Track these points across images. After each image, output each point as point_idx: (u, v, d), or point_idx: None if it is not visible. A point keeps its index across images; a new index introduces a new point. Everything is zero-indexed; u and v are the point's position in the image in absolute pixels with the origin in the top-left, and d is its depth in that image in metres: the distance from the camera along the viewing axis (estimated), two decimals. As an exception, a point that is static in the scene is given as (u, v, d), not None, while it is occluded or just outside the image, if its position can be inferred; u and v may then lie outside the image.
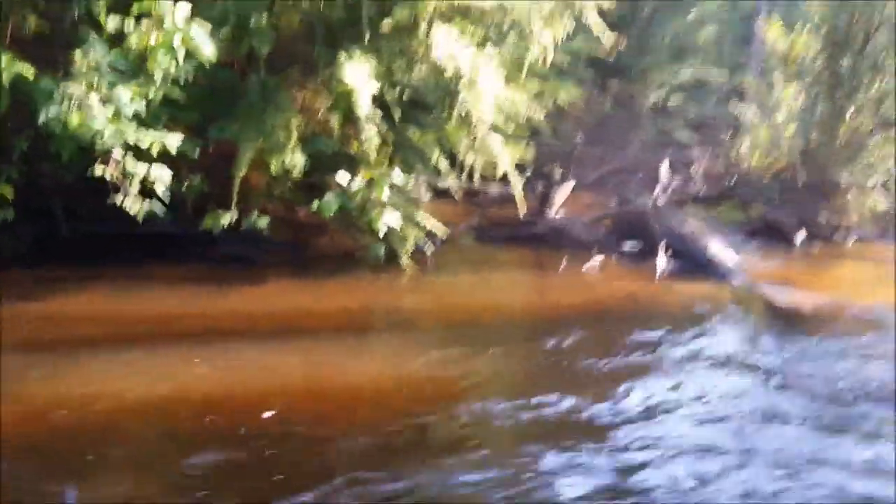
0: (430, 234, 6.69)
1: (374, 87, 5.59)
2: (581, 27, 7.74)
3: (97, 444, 3.43)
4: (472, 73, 5.85)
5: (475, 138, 6.46)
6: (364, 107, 5.52)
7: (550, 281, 7.08)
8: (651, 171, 13.81)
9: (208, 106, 5.76)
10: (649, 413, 4.12)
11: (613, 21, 14.58)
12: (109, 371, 4.16)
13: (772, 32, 10.64)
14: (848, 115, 9.50)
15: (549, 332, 5.30)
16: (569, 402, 4.13)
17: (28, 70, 4.90)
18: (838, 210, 9.95)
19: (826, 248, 9.18)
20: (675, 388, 4.48)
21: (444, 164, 7.27)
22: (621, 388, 4.38)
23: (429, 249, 6.63)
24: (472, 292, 6.34)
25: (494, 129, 6.53)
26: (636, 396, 4.30)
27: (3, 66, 4.87)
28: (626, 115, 15.29)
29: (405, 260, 6.34)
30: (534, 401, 4.10)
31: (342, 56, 5.60)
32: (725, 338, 5.64)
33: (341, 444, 3.64)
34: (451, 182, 7.86)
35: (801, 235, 9.20)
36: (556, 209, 9.23)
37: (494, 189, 9.02)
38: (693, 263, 7.41)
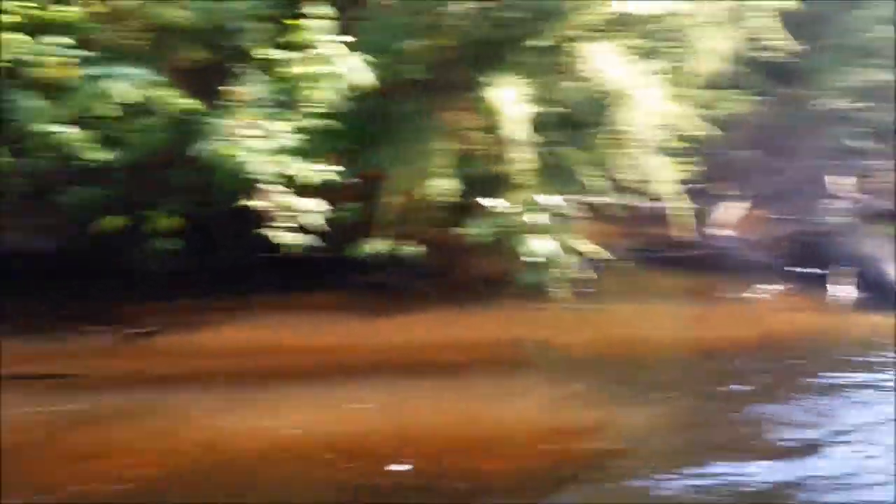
0: (587, 260, 6.35)
1: (521, 108, 5.34)
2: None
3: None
4: (627, 89, 5.49)
5: (632, 158, 6.06)
6: (510, 128, 5.29)
7: (716, 310, 6.53)
8: (828, 186, 12.77)
9: (359, 134, 5.73)
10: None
11: (790, 22, 13.69)
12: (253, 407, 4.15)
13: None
14: None
15: (717, 373, 4.86)
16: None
17: (196, 104, 5.03)
18: None
19: None
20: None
21: (600, 182, 6.89)
22: (815, 451, 3.88)
23: (585, 275, 6.28)
24: (629, 324, 5.93)
25: (654, 147, 6.11)
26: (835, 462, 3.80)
27: (170, 101, 5.03)
28: (801, 123, 14.23)
29: (560, 288, 6.04)
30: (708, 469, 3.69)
31: (489, 77, 5.40)
32: None
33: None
34: (608, 201, 7.47)
35: None
36: (723, 229, 8.63)
37: (656, 206, 8.56)
38: (881, 291, 6.65)
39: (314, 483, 3.50)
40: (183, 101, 5.00)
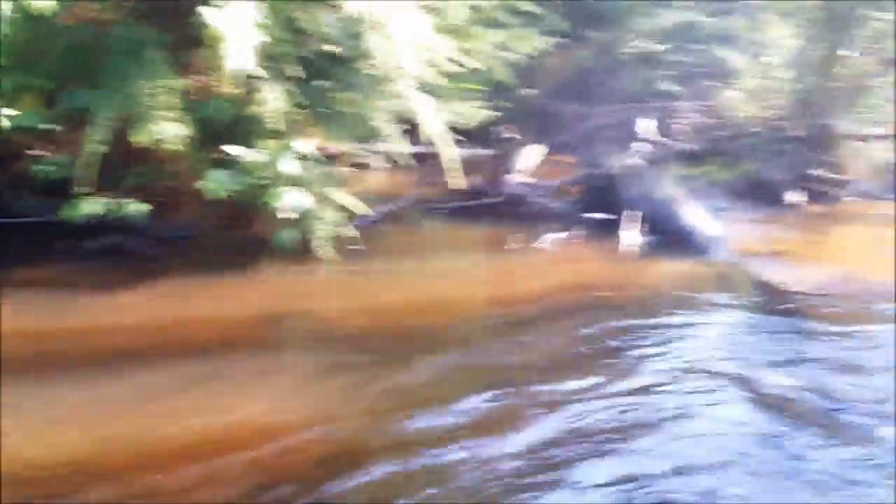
0: (361, 216, 5.63)
1: (254, 35, 4.44)
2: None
3: None
4: (382, 16, 4.74)
5: (401, 97, 5.34)
6: (238, 60, 4.39)
7: (504, 263, 6.02)
8: (630, 128, 12.72)
9: (60, 69, 4.67)
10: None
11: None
12: None
13: (760, -33, 9.44)
14: (845, 55, 8.37)
15: (494, 333, 4.32)
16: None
17: None
18: (836, 163, 8.89)
19: (824, 208, 8.14)
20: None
21: (376, 126, 6.14)
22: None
23: (356, 233, 5.54)
24: (405, 284, 5.26)
25: (422, 85, 5.42)
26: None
27: None
28: (605, 66, 14.10)
29: (324, 248, 5.29)
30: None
31: (216, -1, 4.46)
32: (699, 336, 4.52)
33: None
34: (396, 148, 6.73)
35: (795, 194, 8.15)
36: (520, 175, 8.16)
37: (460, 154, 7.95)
38: (672, 235, 6.37)
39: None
40: None
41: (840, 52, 8.44)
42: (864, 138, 8.67)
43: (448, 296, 5.12)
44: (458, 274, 5.57)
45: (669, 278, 5.65)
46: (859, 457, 3.11)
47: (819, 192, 8.49)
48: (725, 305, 5.03)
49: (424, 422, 3.29)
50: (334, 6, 4.91)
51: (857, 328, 4.57)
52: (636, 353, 4.12)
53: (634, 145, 11.50)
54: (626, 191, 7.01)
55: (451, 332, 4.43)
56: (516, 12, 7.42)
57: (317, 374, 3.85)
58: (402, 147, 6.19)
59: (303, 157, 5.24)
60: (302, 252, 5.26)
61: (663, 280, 5.63)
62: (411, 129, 5.98)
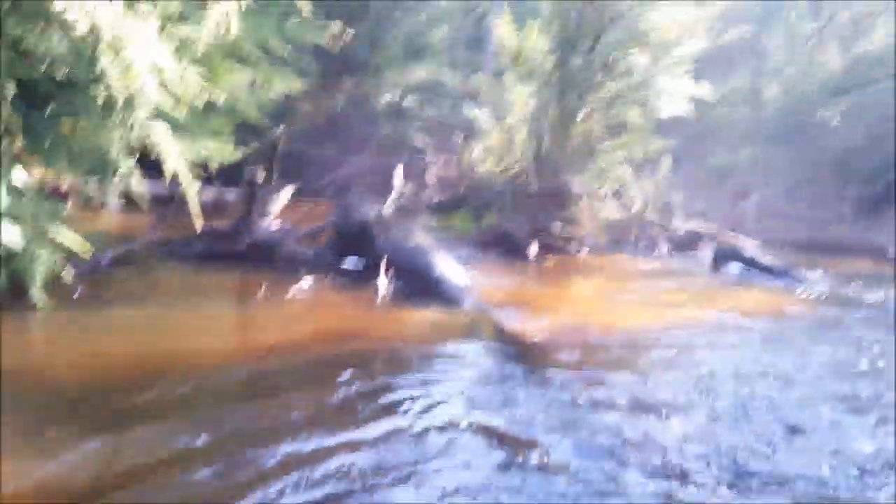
0: (91, 256, 5.01)
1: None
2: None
3: None
4: (116, 34, 4.29)
5: (133, 126, 4.85)
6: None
7: (251, 312, 5.67)
8: (382, 176, 12.87)
9: None
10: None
11: (343, 12, 13.51)
12: None
13: (502, 30, 10.00)
14: (579, 118, 9.05)
15: (231, 390, 3.93)
16: None
17: None
18: (571, 219, 9.53)
19: (561, 260, 8.65)
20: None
21: (123, 161, 5.54)
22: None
23: (69, 276, 4.91)
24: (133, 336, 4.72)
25: (164, 116, 4.99)
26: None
27: None
28: (360, 115, 14.23)
29: (37, 292, 4.64)
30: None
31: None
32: (446, 385, 4.44)
33: None
34: (136, 185, 6.11)
35: (534, 247, 8.59)
36: (270, 220, 7.83)
37: (206, 195, 7.44)
38: (423, 285, 6.38)
39: None
40: None
41: (577, 114, 9.09)
42: (595, 197, 9.38)
43: (183, 349, 4.64)
44: (198, 325, 5.11)
45: (420, 328, 5.61)
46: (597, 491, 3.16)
47: (557, 246, 9.02)
48: (473, 354, 5.06)
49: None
50: (66, 25, 4.37)
51: (593, 373, 4.77)
52: (382, 406, 3.96)
53: (390, 194, 11.64)
54: (380, 239, 6.96)
55: (180, 390, 3.98)
56: (267, 52, 7.19)
57: None
58: (141, 183, 5.65)
59: (16, 190, 4.59)
60: (11, 298, 4.58)
61: (414, 330, 5.57)
62: (153, 165, 5.49)
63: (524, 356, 5.12)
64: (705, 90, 9.14)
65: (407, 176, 12.75)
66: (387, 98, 14.00)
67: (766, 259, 8.71)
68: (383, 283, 6.23)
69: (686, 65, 9.39)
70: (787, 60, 21.05)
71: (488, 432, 3.70)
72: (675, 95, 9.23)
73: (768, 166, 17.17)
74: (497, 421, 3.84)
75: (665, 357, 5.26)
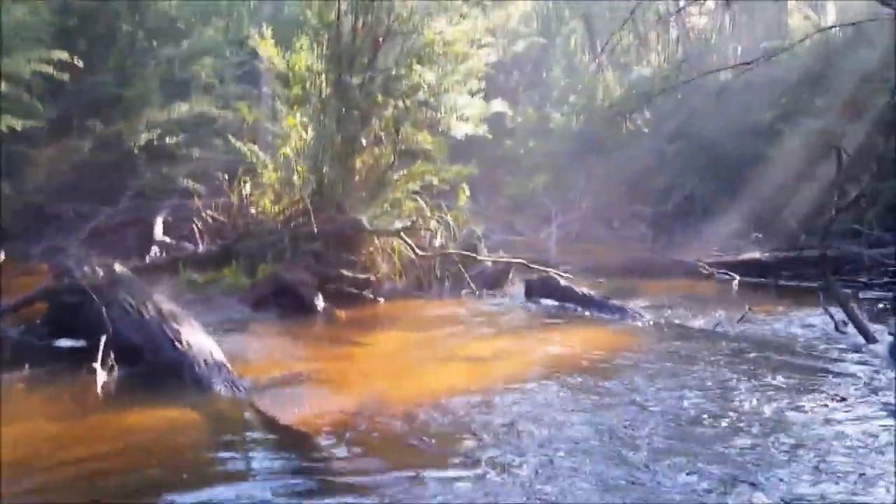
0: None
1: None
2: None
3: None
4: None
5: None
6: None
7: None
8: (141, 228, 10.95)
9: None
10: None
11: (83, 39, 11.45)
12: None
13: (266, 51, 8.52)
14: (364, 144, 7.73)
15: None
16: None
17: None
18: (364, 262, 8.17)
19: (354, 313, 7.21)
20: None
21: None
22: None
23: None
24: None
25: None
26: None
27: None
28: (113, 159, 12.15)
29: None
30: None
31: None
32: None
33: None
34: None
35: (320, 299, 7.12)
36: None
37: None
38: (160, 365, 4.72)
39: None
40: None
41: (360, 140, 7.78)
42: (389, 234, 8.07)
43: None
44: None
45: (144, 437, 3.94)
46: None
47: (348, 295, 7.62)
48: (217, 472, 3.48)
49: None
50: None
51: (398, 474, 3.38)
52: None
53: (151, 247, 9.83)
54: (109, 308, 5.20)
55: None
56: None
57: None
58: None
59: None
60: None
61: (134, 442, 3.89)
62: None
63: (301, 463, 3.62)
64: (501, 106, 8.15)
65: (171, 226, 10.91)
66: (144, 138, 12.03)
67: (581, 290, 7.78)
68: (102, 370, 4.51)
69: (477, 80, 8.39)
70: (569, 88, 21.17)
71: None
72: (468, 113, 8.18)
73: (566, 193, 16.84)
74: None
75: (476, 444, 3.87)
